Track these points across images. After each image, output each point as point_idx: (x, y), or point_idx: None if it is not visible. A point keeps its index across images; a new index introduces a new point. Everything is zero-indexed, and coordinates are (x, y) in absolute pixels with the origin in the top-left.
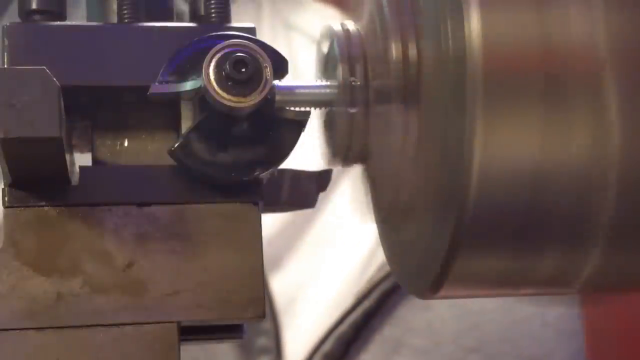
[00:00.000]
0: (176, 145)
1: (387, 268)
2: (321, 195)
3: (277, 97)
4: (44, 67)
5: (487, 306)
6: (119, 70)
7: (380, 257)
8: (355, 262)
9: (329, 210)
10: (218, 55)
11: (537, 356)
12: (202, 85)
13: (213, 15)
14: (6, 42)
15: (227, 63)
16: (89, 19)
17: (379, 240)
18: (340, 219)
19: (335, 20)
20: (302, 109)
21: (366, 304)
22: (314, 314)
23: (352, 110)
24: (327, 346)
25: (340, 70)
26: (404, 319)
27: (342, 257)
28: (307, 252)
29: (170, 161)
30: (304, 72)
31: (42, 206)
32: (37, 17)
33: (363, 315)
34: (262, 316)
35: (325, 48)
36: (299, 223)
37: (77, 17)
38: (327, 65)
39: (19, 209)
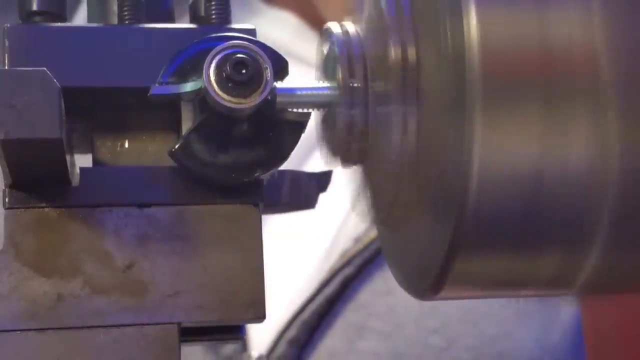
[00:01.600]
0: (176, 146)
1: (349, 255)
2: None
3: (278, 99)
4: (45, 69)
5: None
6: (119, 72)
7: (342, 244)
8: (318, 251)
9: None
10: (218, 57)
11: (497, 335)
12: (203, 87)
13: (213, 16)
14: (7, 43)
15: (228, 64)
16: (89, 20)
17: (340, 228)
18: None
19: (294, 25)
20: (302, 110)
21: (328, 290)
22: (278, 302)
23: (352, 112)
24: (291, 332)
25: (339, 72)
26: (366, 304)
27: (305, 246)
28: (271, 241)
29: (170, 162)
30: None
31: (43, 207)
32: (37, 18)
33: (326, 302)
34: (263, 317)
35: (325, 49)
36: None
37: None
38: (326, 66)
39: (19, 210)
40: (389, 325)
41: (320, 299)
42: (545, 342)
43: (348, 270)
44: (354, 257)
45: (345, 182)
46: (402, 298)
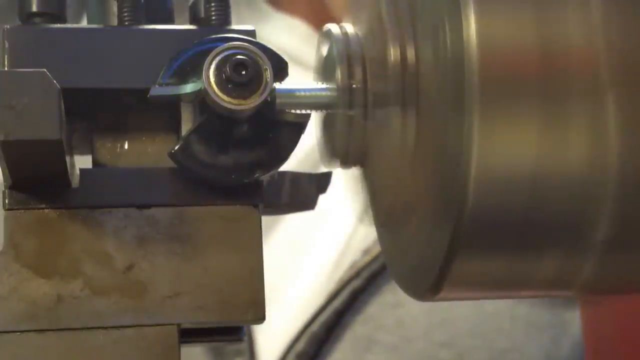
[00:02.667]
0: (176, 147)
1: (358, 267)
2: None
3: (277, 100)
4: (44, 70)
5: (457, 302)
6: (119, 73)
7: (351, 256)
8: (327, 263)
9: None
10: (218, 58)
11: (508, 349)
12: (203, 88)
13: (213, 17)
14: (7, 45)
15: (228, 65)
16: (89, 22)
17: (349, 240)
18: (310, 220)
19: (303, 31)
20: (302, 111)
21: (337, 302)
22: (287, 314)
23: (351, 113)
24: (300, 346)
25: (339, 73)
26: (374, 316)
27: (314, 258)
28: (278, 254)
29: (170, 163)
30: None
31: (43, 208)
32: (37, 19)
33: (334, 314)
34: (263, 318)
35: (324, 51)
36: (269, 225)
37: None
38: (326, 67)
39: (19, 211)
40: (397, 339)
41: (329, 311)
42: (555, 356)
43: (357, 283)
44: (362, 269)
45: (353, 193)
46: (411, 311)
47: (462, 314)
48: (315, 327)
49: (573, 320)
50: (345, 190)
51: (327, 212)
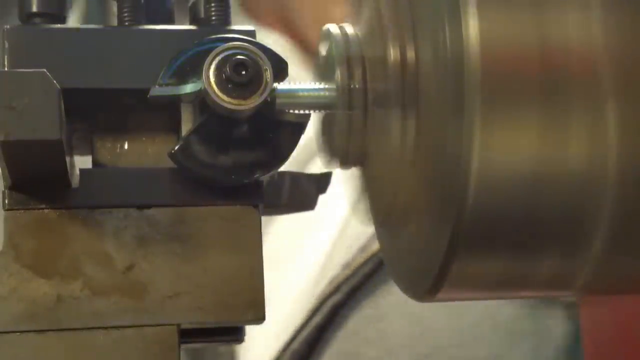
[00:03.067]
0: (176, 147)
1: (337, 281)
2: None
3: (277, 100)
4: (44, 70)
5: (438, 312)
6: (119, 73)
7: (331, 272)
8: (307, 279)
9: (276, 231)
10: (218, 58)
11: (489, 358)
12: (203, 88)
13: (213, 17)
14: (7, 45)
15: (228, 66)
16: (89, 22)
17: (329, 256)
18: (287, 239)
19: (282, 46)
20: (302, 111)
21: (317, 318)
22: (269, 331)
23: (351, 113)
24: None
25: (338, 74)
26: (356, 330)
27: (294, 275)
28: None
29: (170, 164)
30: None
31: (43, 209)
32: (37, 19)
33: (315, 330)
34: (263, 319)
35: (323, 51)
36: None
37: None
38: (325, 68)
39: (19, 211)
40: (380, 352)
41: (310, 327)
42: None
43: (336, 298)
44: (342, 283)
45: (334, 212)
46: (393, 324)
47: (443, 325)
48: (296, 344)
49: (555, 326)
50: (327, 202)
51: (307, 228)
